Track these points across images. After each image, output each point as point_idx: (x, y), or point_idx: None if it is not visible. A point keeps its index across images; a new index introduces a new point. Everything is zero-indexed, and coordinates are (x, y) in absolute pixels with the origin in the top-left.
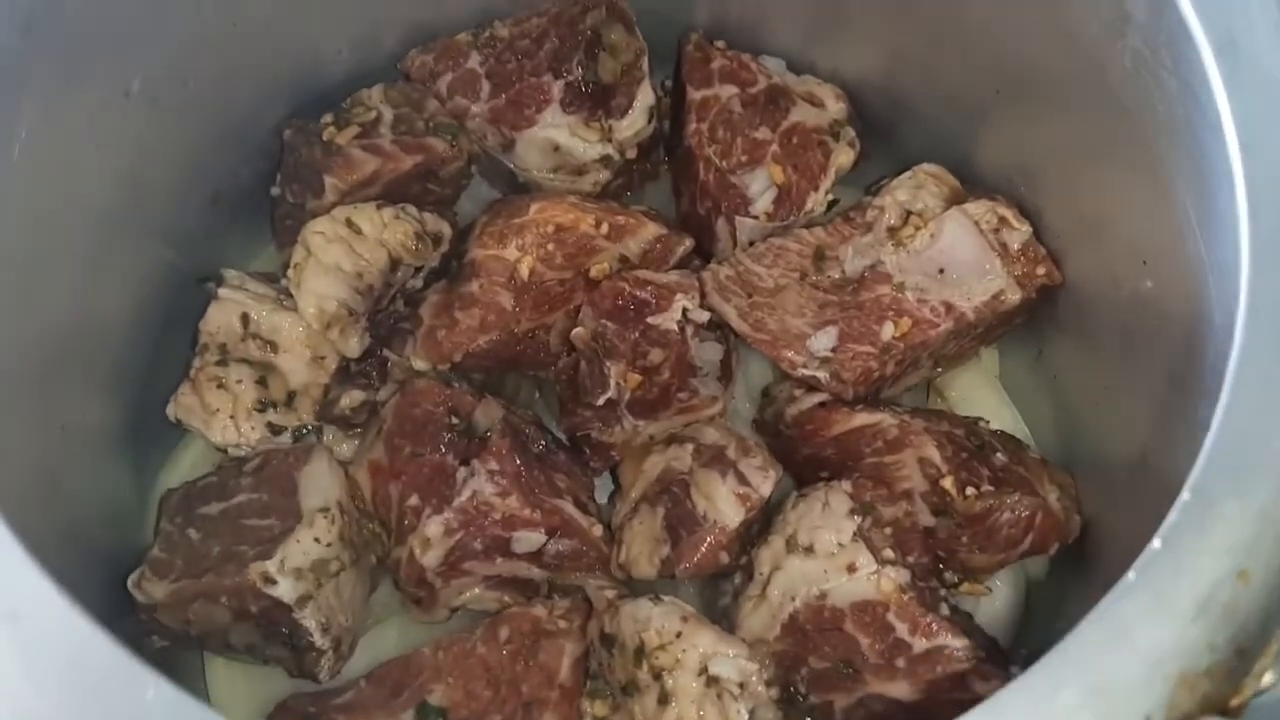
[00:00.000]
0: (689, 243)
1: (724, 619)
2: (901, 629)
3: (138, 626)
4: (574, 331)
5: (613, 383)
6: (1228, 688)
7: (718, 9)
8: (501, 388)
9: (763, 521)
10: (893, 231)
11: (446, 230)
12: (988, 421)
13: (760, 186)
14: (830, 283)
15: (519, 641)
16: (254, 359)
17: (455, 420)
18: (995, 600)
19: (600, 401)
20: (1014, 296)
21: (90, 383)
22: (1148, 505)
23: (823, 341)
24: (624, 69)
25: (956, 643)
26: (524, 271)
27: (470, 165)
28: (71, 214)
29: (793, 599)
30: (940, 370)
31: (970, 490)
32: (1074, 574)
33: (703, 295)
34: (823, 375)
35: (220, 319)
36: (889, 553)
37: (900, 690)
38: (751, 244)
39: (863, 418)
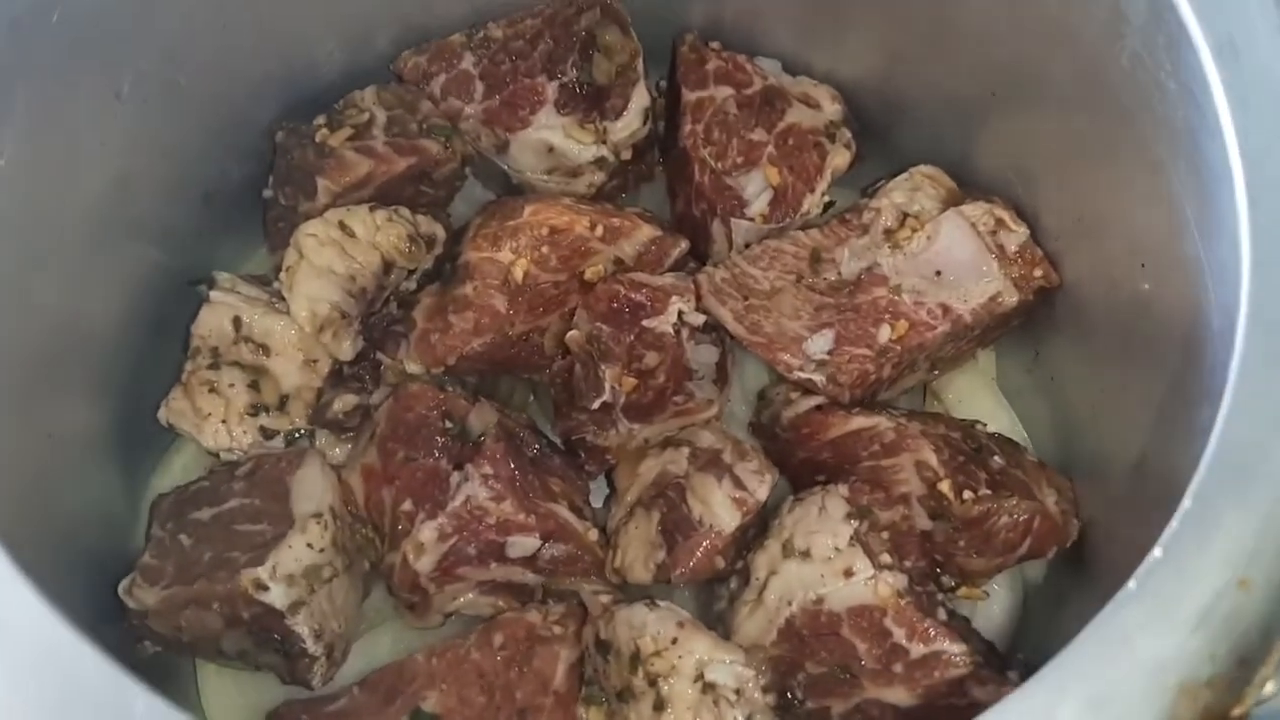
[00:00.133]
0: (684, 245)
1: (719, 624)
2: (899, 634)
3: (129, 632)
4: (569, 334)
5: (608, 386)
6: (1229, 697)
7: (713, 10)
8: (495, 391)
9: (759, 526)
10: (889, 233)
11: (440, 232)
12: (985, 424)
13: (756, 188)
14: (826, 285)
15: (513, 647)
16: (246, 362)
17: (449, 424)
18: (993, 605)
19: (595, 405)
20: (1011, 299)
21: (80, 386)
22: (1146, 509)
23: (819, 344)
24: (619, 70)
25: (954, 648)
26: (518, 274)
27: (464, 167)
28: (62, 216)
29: (789, 604)
30: (937, 373)
31: (968, 494)
32: (1072, 578)
33: (698, 298)
34: (819, 378)
35: (212, 322)
36: (886, 557)
37: (898, 695)
38: (747, 246)
39: (859, 421)
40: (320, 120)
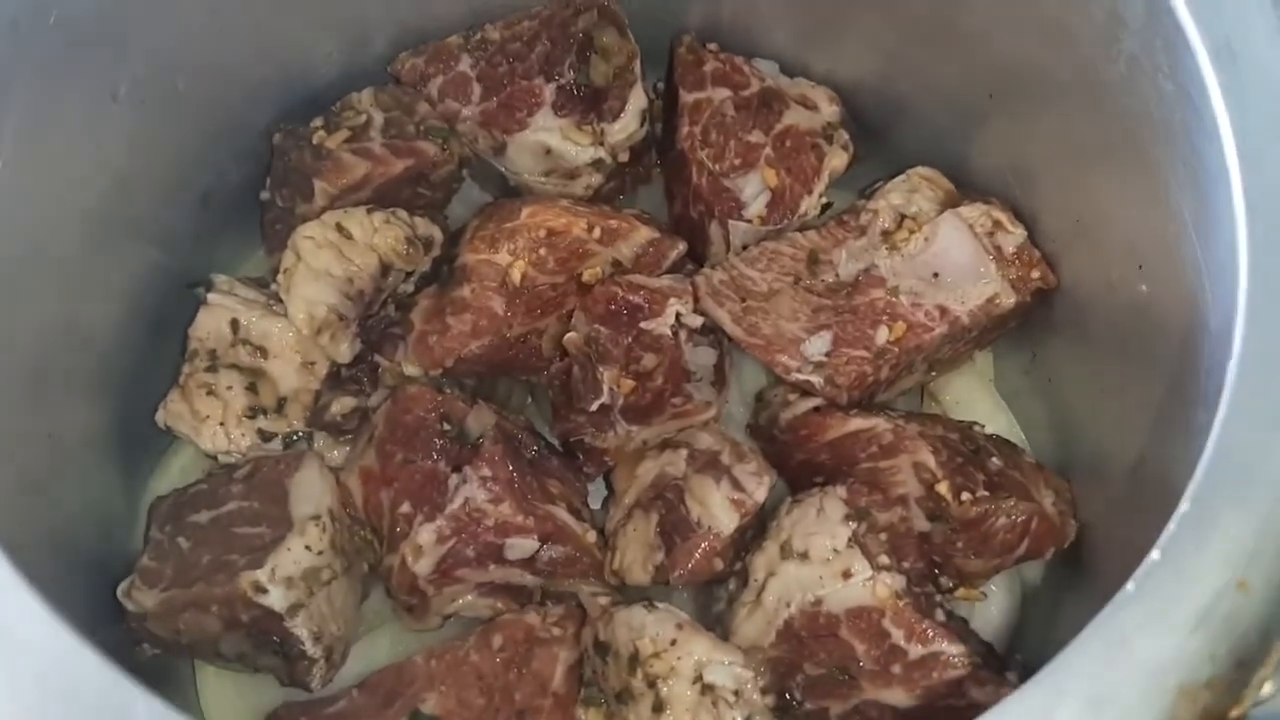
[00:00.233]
0: (682, 247)
1: (718, 625)
2: (897, 635)
3: (127, 635)
4: (567, 336)
5: (606, 388)
6: (1228, 699)
7: (710, 11)
8: (493, 393)
9: (757, 527)
10: (887, 235)
11: (437, 234)
12: (982, 426)
13: (753, 190)
14: (824, 287)
15: (512, 649)
16: (244, 365)
17: (447, 426)
18: (991, 606)
19: (593, 407)
20: (1009, 300)
21: (78, 389)
22: (1144, 510)
23: (817, 346)
24: (616, 72)
25: (952, 648)
26: (516, 276)
27: (461, 169)
28: (59, 218)
29: (788, 605)
30: (935, 374)
31: (965, 495)
32: (1070, 579)
33: (696, 300)
34: (817, 380)
35: (210, 324)
36: (884, 558)
37: (896, 696)
38: (745, 248)
39: (857, 423)
40: (317, 122)
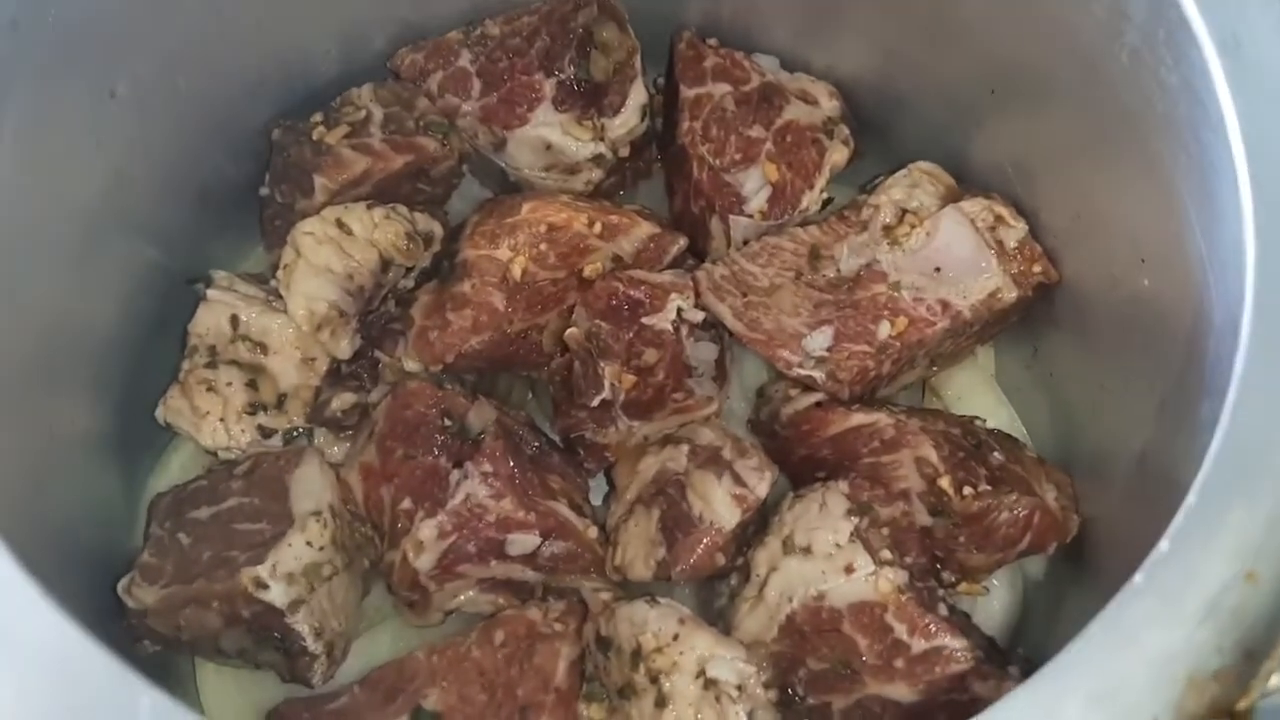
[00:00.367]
0: (683, 242)
1: (720, 621)
2: (900, 629)
3: (128, 632)
4: (568, 332)
5: (607, 383)
6: (1236, 690)
7: (710, 7)
8: (494, 389)
9: (759, 522)
10: (888, 230)
11: (438, 230)
12: (984, 420)
13: (754, 185)
14: (825, 282)
15: (514, 645)
16: (244, 361)
17: (448, 422)
18: (993, 600)
19: (594, 402)
20: (1010, 295)
21: (78, 385)
22: (1146, 505)
23: (818, 341)
24: (616, 67)
25: (955, 643)
26: (516, 271)
27: (461, 164)
28: (58, 215)
29: (790, 600)
30: (936, 369)
31: (968, 490)
32: (1072, 573)
33: (697, 295)
34: (818, 375)
35: (209, 321)
36: (886, 553)
37: (899, 691)
38: (746, 243)
39: (859, 417)
40: (317, 118)
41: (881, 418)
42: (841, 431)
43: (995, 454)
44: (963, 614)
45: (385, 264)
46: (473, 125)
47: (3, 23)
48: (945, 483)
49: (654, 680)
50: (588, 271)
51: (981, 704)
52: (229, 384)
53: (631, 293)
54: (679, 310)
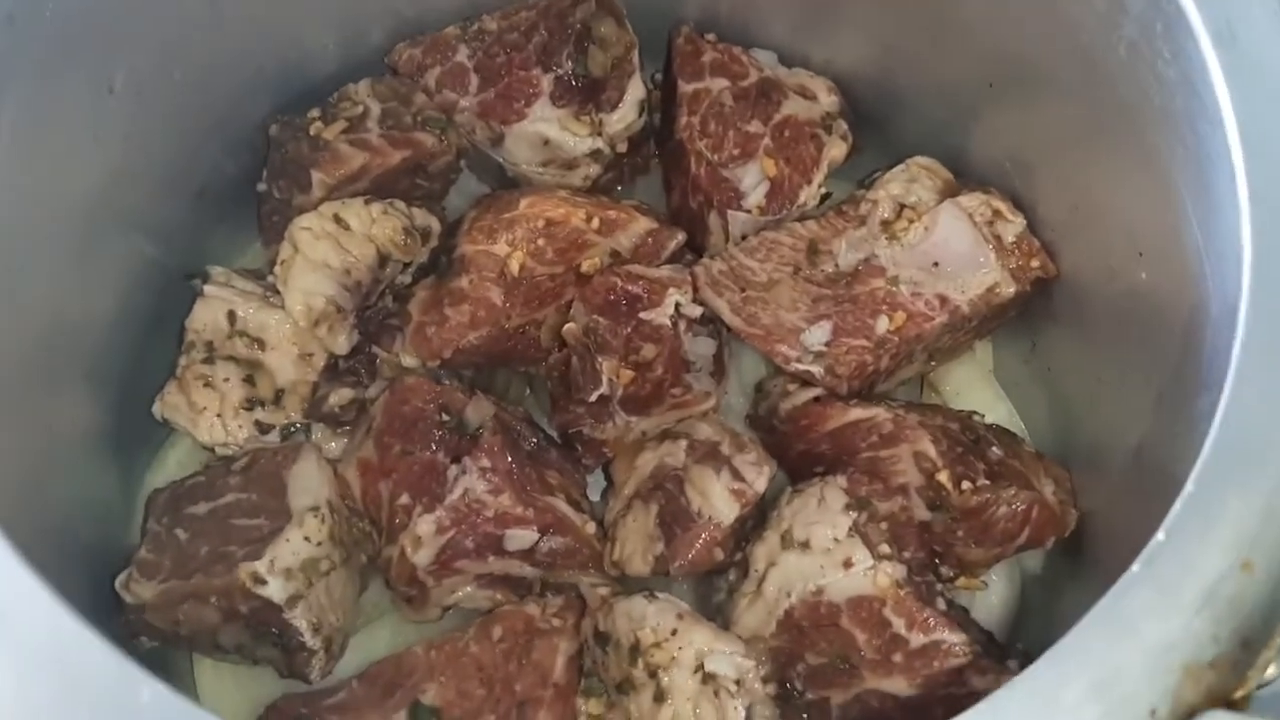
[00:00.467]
0: (681, 237)
1: (719, 616)
2: (898, 624)
3: (126, 627)
4: (565, 327)
5: (605, 379)
6: (1233, 680)
7: (708, 2)
8: (492, 384)
9: (757, 518)
10: (886, 225)
11: (435, 225)
12: (982, 415)
13: (752, 180)
14: (824, 276)
15: (512, 640)
16: (241, 357)
17: (446, 417)
18: (991, 595)
19: (592, 398)
20: (1008, 289)
21: (75, 381)
22: (1144, 498)
23: (816, 336)
24: (614, 62)
25: (953, 637)
26: (514, 267)
27: (459, 160)
28: (56, 211)
29: (788, 595)
30: (934, 364)
31: (966, 484)
32: (1070, 567)
33: (695, 290)
34: (817, 370)
35: (206, 316)
36: (885, 548)
37: (897, 685)
38: (744, 238)
39: (857, 412)
40: (314, 113)
41: (880, 413)
42: (840, 426)
43: (993, 449)
44: (961, 608)
45: (383, 259)
46: (470, 120)
47: (1, 18)
48: (944, 477)
49: (652, 675)
50: (585, 267)
51: (980, 698)
52: (226, 380)
53: (629, 288)
54: (677, 305)
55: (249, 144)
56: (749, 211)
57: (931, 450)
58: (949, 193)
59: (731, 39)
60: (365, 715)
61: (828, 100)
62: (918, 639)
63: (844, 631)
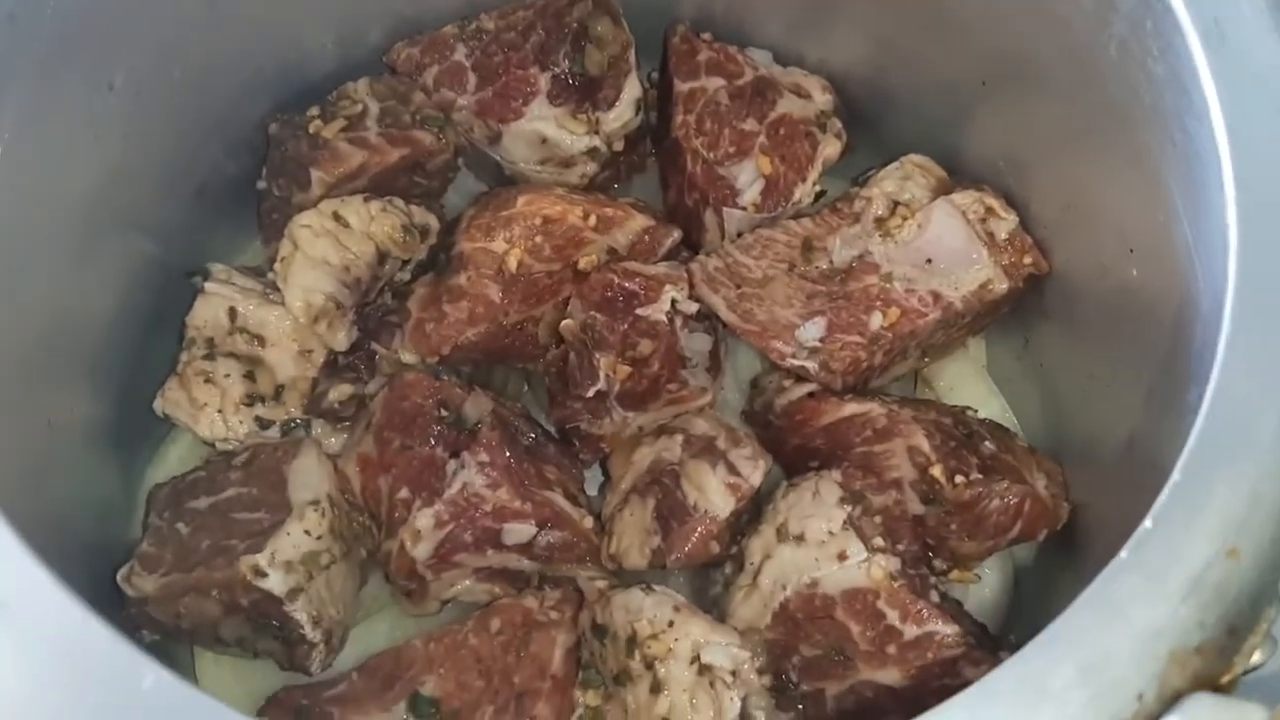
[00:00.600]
0: (677, 234)
1: (715, 608)
2: (892, 616)
3: (128, 621)
4: (563, 323)
5: (602, 374)
6: (1219, 665)
7: (704, 2)
8: (490, 381)
9: (753, 511)
10: (880, 222)
11: (434, 223)
12: (975, 410)
13: (748, 178)
14: (818, 273)
15: (510, 632)
16: (241, 353)
17: (444, 413)
18: (984, 587)
19: (589, 393)
20: (1001, 286)
21: (76, 378)
22: (1135, 491)
23: (811, 332)
24: (611, 61)
25: (946, 629)
26: (512, 264)
27: (457, 158)
28: (56, 208)
29: (784, 587)
30: (928, 360)
31: (959, 478)
32: (1062, 560)
33: (691, 286)
34: (811, 365)
35: (207, 313)
36: (879, 540)
37: (891, 677)
38: (739, 235)
39: (852, 407)
40: (313, 112)
41: (874, 407)
42: (834, 421)
43: (986, 443)
44: (954, 601)
45: (382, 257)
46: (468, 119)
47: (0, 18)
48: (937, 471)
49: (649, 666)
50: (583, 264)
51: None
52: (227, 376)
53: (626, 284)
54: (673, 302)
55: (248, 143)
56: (744, 209)
57: (925, 445)
58: (942, 190)
59: (727, 38)
60: (365, 706)
61: (822, 99)
62: (911, 631)
63: (838, 623)
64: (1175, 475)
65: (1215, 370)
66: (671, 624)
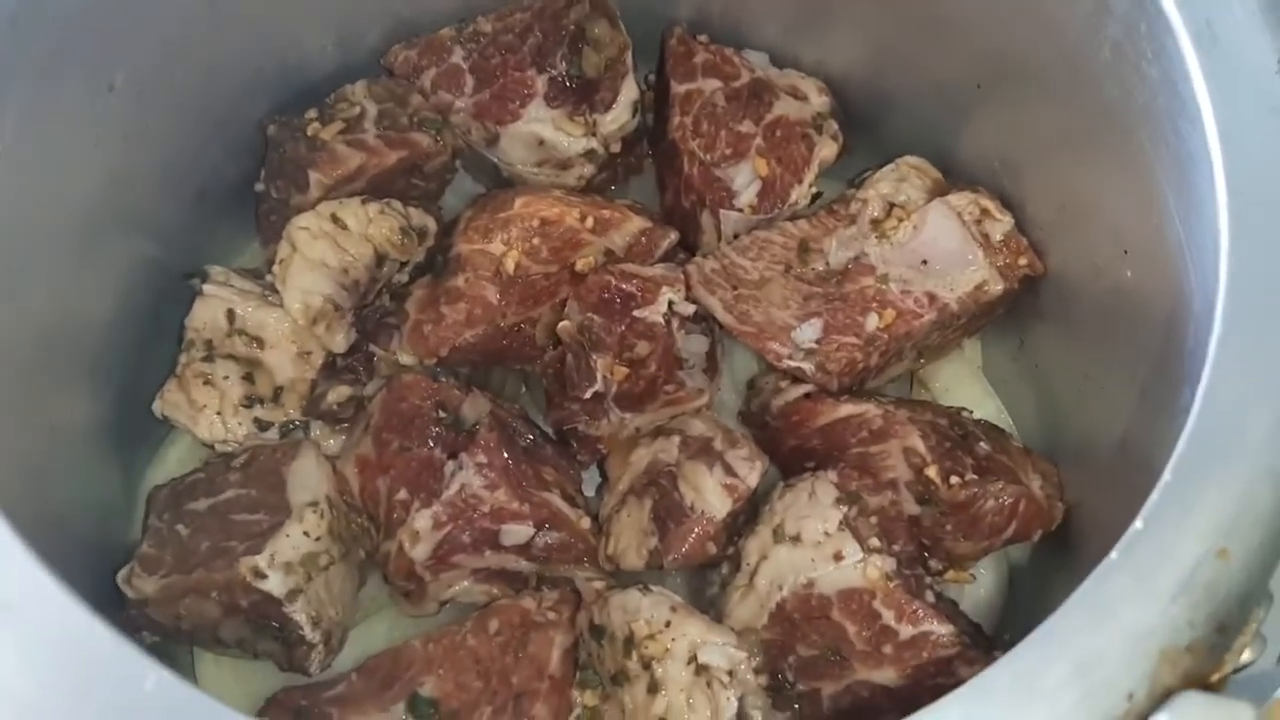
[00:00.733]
0: (674, 236)
1: (711, 609)
2: (888, 616)
3: (127, 622)
4: (560, 325)
5: (599, 376)
6: (1209, 664)
7: (701, 3)
8: (488, 382)
9: (749, 512)
10: (876, 223)
11: (431, 225)
12: (971, 411)
13: (744, 179)
14: (815, 275)
15: (509, 633)
16: (240, 355)
17: (443, 414)
18: (979, 587)
19: (587, 395)
20: (996, 287)
21: (76, 380)
22: (1129, 491)
23: (807, 333)
24: (608, 63)
25: (942, 629)
26: (509, 265)
27: (454, 160)
28: (56, 210)
29: (780, 588)
30: (924, 361)
31: (954, 479)
32: (1056, 560)
33: (688, 288)
34: (808, 367)
35: (206, 315)
36: (875, 541)
37: (887, 676)
38: (736, 237)
39: (848, 408)
40: (311, 114)
41: (870, 408)
42: (830, 422)
43: (982, 444)
44: (949, 600)
45: (380, 258)
46: (466, 121)
47: (2, 21)
48: (932, 472)
49: (646, 666)
50: (580, 265)
51: None
52: (226, 377)
53: (623, 286)
54: (670, 303)
55: (248, 144)
56: (741, 210)
57: (920, 445)
58: (938, 192)
59: (724, 40)
60: (364, 707)
61: (819, 101)
62: (907, 630)
63: (834, 623)
64: (1166, 475)
65: (1207, 370)
66: (669, 624)
